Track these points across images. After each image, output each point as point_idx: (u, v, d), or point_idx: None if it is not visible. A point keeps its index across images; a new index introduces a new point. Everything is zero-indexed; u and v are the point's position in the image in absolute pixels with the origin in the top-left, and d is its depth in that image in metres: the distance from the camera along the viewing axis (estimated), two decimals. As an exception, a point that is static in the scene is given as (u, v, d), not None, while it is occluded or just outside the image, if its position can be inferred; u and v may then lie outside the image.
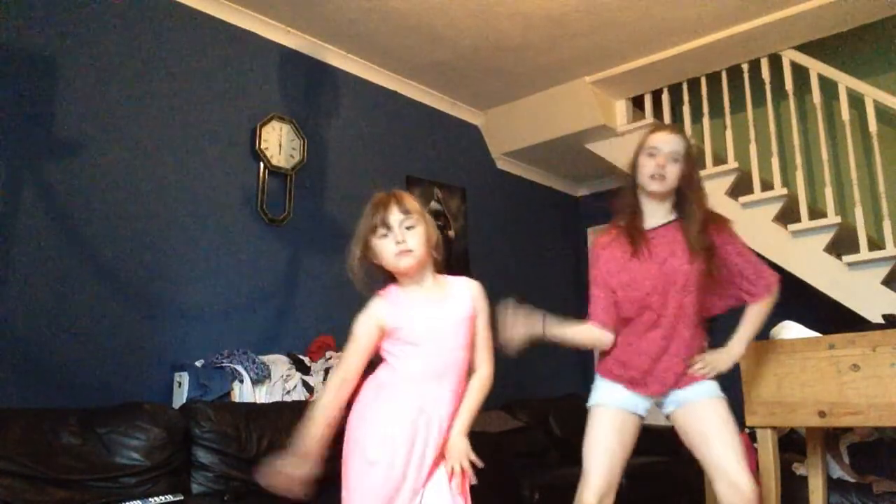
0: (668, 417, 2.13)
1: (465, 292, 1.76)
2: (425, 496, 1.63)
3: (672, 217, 2.11)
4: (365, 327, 1.67)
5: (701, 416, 2.01)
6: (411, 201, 1.71)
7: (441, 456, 1.68)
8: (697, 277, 2.02)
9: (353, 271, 1.69)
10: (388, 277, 1.74)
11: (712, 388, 2.05)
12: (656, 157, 2.05)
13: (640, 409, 2.09)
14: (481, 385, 1.83)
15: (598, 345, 2.17)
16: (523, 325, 2.06)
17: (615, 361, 2.12)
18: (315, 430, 1.60)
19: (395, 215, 1.66)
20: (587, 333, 2.18)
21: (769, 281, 2.10)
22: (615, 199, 2.22)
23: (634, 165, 2.12)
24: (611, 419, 2.08)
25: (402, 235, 1.65)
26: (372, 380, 1.70)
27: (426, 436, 1.64)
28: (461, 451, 1.70)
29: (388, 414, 1.63)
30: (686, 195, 2.07)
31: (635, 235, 2.08)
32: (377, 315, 1.67)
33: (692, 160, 2.09)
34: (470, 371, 1.79)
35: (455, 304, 1.73)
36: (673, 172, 2.04)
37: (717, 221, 2.10)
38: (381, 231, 1.66)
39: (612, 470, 2.05)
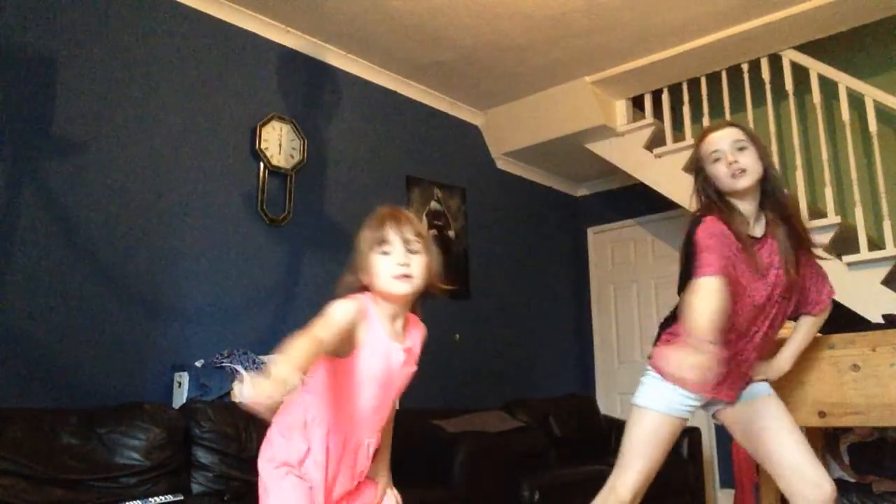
0: (714, 416, 2.05)
1: (418, 344, 1.59)
2: None
3: (764, 221, 1.94)
4: (345, 313, 1.43)
5: (763, 412, 1.93)
6: (420, 225, 1.54)
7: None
8: (790, 286, 1.92)
9: (347, 286, 1.52)
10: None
11: (766, 385, 2.00)
12: (723, 158, 1.88)
13: (690, 412, 1.96)
14: (390, 433, 1.70)
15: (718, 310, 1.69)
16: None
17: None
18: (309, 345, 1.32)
19: (401, 234, 1.49)
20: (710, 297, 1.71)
21: (830, 293, 2.06)
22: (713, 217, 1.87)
23: (706, 182, 1.93)
24: (667, 426, 1.92)
25: (407, 259, 1.48)
26: (291, 407, 1.50)
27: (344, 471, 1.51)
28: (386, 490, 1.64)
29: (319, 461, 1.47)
30: (766, 190, 1.91)
31: (747, 244, 1.85)
32: (354, 314, 1.45)
33: (760, 143, 1.93)
34: None
35: (410, 356, 1.56)
36: (749, 161, 1.87)
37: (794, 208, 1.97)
38: (384, 248, 1.48)
39: (653, 471, 1.96)
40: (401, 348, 1.52)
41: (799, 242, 1.93)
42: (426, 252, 1.51)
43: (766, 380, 2.02)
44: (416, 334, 1.59)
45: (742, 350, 1.89)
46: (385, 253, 1.48)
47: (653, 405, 1.93)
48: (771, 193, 1.92)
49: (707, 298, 1.66)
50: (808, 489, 1.83)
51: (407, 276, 1.48)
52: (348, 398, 1.48)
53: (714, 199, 1.91)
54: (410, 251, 1.49)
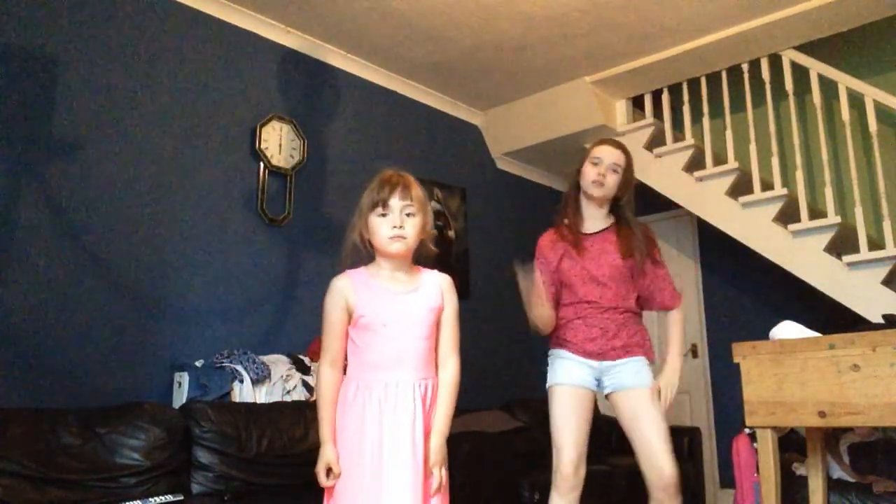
0: (607, 398, 2.39)
1: (435, 285, 1.78)
2: (391, 477, 1.64)
3: (609, 223, 2.44)
4: (332, 305, 1.70)
5: (636, 402, 2.29)
6: (417, 189, 1.73)
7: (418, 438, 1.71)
8: (623, 273, 2.36)
9: (349, 243, 1.74)
10: (371, 254, 1.77)
11: (647, 378, 2.33)
12: (598, 166, 2.37)
13: (584, 381, 2.35)
14: (451, 382, 1.79)
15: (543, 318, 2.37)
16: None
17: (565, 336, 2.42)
18: (327, 413, 1.67)
19: (398, 199, 1.69)
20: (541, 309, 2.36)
21: (672, 297, 2.43)
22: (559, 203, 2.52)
23: (579, 172, 2.43)
24: (565, 395, 2.34)
25: (401, 221, 1.68)
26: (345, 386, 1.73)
27: (392, 421, 1.66)
28: (441, 459, 1.77)
29: (355, 417, 1.67)
30: (621, 203, 2.41)
31: (576, 237, 2.41)
32: (342, 293, 1.69)
33: (631, 172, 2.41)
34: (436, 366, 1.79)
35: (422, 294, 1.74)
36: (612, 181, 2.36)
37: (649, 232, 2.45)
38: (381, 210, 1.69)
39: (577, 442, 2.29)
40: (407, 289, 1.73)
41: (641, 232, 2.40)
42: (421, 214, 1.72)
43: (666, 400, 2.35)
44: (431, 279, 1.79)
45: (589, 313, 2.36)
46: (383, 215, 1.69)
47: (554, 381, 2.37)
48: (622, 211, 2.43)
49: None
50: (651, 471, 2.23)
51: (401, 238, 1.69)
52: (370, 348, 1.69)
53: (572, 189, 2.47)
54: (407, 213, 1.70)
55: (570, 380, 2.34)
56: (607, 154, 2.39)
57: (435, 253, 1.80)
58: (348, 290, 1.69)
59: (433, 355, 1.75)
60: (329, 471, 1.64)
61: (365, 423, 1.64)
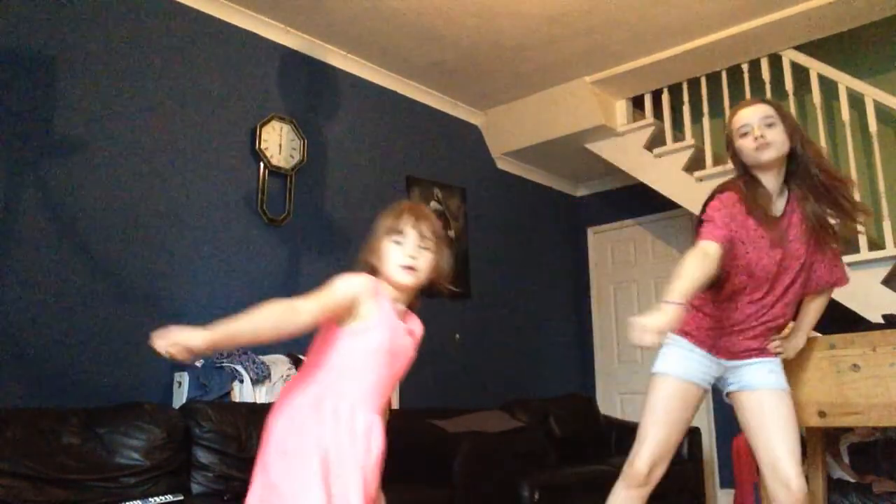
0: (727, 396, 2.11)
1: (418, 332, 1.66)
2: None
3: (787, 197, 1.99)
4: (349, 285, 1.50)
5: (765, 405, 1.98)
6: (436, 225, 1.63)
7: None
8: (810, 256, 1.99)
9: (361, 265, 1.60)
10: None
11: (781, 378, 2.03)
12: (750, 133, 1.93)
13: (704, 379, 2.03)
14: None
15: (713, 269, 1.83)
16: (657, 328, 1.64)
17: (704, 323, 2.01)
18: (244, 326, 1.42)
19: (420, 230, 1.58)
20: (705, 268, 1.81)
21: (841, 276, 2.10)
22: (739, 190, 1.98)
23: (734, 156, 2.01)
24: (679, 390, 2.00)
25: (417, 252, 1.57)
26: (309, 387, 1.53)
27: (369, 451, 1.52)
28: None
29: (332, 430, 1.47)
30: (800, 160, 1.95)
31: (765, 219, 1.93)
32: (361, 288, 1.51)
33: (791, 119, 1.98)
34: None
35: (412, 339, 1.63)
36: (776, 135, 1.92)
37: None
38: (396, 237, 1.57)
39: (668, 442, 2.00)
40: (405, 327, 1.60)
41: (822, 223, 1.98)
42: (437, 251, 1.60)
43: (783, 360, 2.07)
44: (417, 324, 1.66)
45: (749, 318, 1.98)
46: (398, 242, 1.57)
47: (664, 369, 2.01)
48: (797, 172, 1.97)
49: (694, 262, 1.78)
50: (777, 486, 1.91)
51: (412, 269, 1.56)
52: (362, 372, 1.54)
53: (740, 172, 2.00)
54: (422, 247, 1.57)
55: (682, 372, 2.01)
56: (751, 115, 1.96)
57: (449, 292, 1.65)
58: (369, 295, 1.52)
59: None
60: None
61: (347, 450, 1.47)
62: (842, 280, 2.11)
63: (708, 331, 2.01)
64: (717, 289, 1.99)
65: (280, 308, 1.44)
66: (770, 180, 1.97)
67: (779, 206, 1.99)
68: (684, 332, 2.02)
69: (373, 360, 1.54)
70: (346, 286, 1.50)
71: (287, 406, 1.53)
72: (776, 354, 2.07)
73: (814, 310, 2.16)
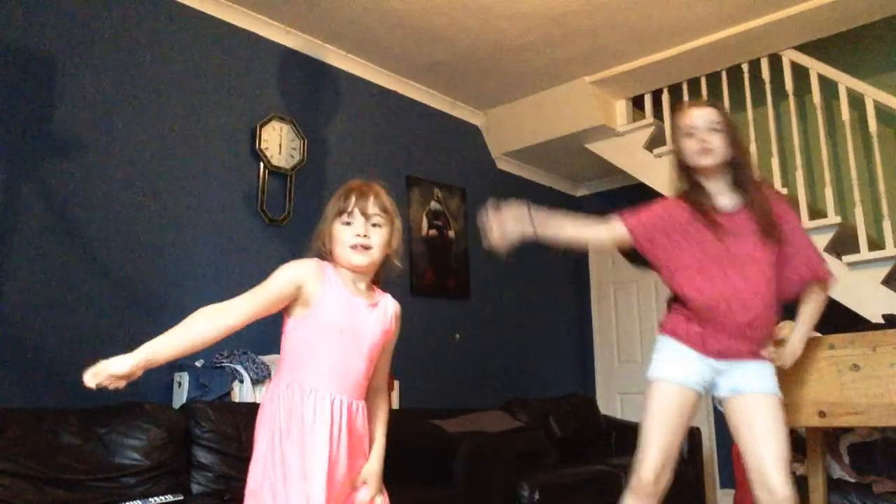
0: (720, 402, 2.10)
1: (391, 308, 1.65)
2: None
3: (740, 197, 2.02)
4: (284, 278, 1.51)
5: (755, 409, 1.98)
6: (386, 199, 1.61)
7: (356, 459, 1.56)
8: (777, 255, 2.00)
9: (312, 252, 1.60)
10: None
11: (772, 384, 2.01)
12: (695, 135, 1.99)
13: (698, 383, 2.03)
14: (386, 414, 1.68)
15: (604, 241, 2.02)
16: (512, 222, 1.95)
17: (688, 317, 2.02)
18: (175, 338, 1.43)
19: (365, 207, 1.56)
20: (594, 230, 2.06)
21: (818, 265, 2.07)
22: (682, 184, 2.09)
23: (679, 154, 2.06)
24: (674, 395, 2.01)
25: (367, 230, 1.56)
26: (275, 388, 1.54)
27: (340, 436, 1.50)
28: (374, 485, 1.57)
29: (308, 422, 1.47)
30: (738, 169, 2.01)
31: (707, 216, 1.99)
32: (303, 273, 1.53)
33: (734, 128, 2.04)
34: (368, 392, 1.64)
35: (379, 313, 1.60)
36: (718, 141, 1.98)
37: (771, 194, 2.07)
38: (345, 218, 1.56)
39: (670, 447, 2.00)
40: (367, 303, 1.58)
41: (769, 223, 2.00)
42: (388, 226, 1.59)
43: (779, 366, 2.06)
44: (387, 301, 1.65)
45: (718, 303, 1.95)
46: (347, 223, 1.56)
47: (660, 374, 2.02)
48: (739, 179, 2.02)
49: (593, 223, 2.02)
50: (762, 493, 1.93)
51: (365, 248, 1.55)
52: (317, 352, 1.52)
53: (682, 175, 2.05)
54: (373, 224, 1.57)
55: (677, 377, 2.01)
56: (697, 117, 2.00)
57: (400, 270, 1.65)
58: (312, 277, 1.53)
59: (367, 382, 1.59)
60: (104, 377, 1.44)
61: (315, 437, 1.46)
62: (820, 272, 2.07)
63: (694, 329, 2.00)
64: (679, 289, 2.02)
65: (209, 312, 1.46)
66: (711, 184, 2.02)
67: (726, 203, 2.01)
68: (674, 334, 2.04)
69: (325, 339, 1.52)
70: (283, 275, 1.52)
71: (260, 413, 1.54)
72: (771, 361, 2.05)
73: (807, 313, 2.13)
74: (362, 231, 1.55)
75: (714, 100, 2.18)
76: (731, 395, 2.03)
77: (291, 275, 1.52)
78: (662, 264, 2.03)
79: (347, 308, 1.55)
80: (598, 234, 2.08)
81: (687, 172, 2.04)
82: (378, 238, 1.57)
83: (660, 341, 2.06)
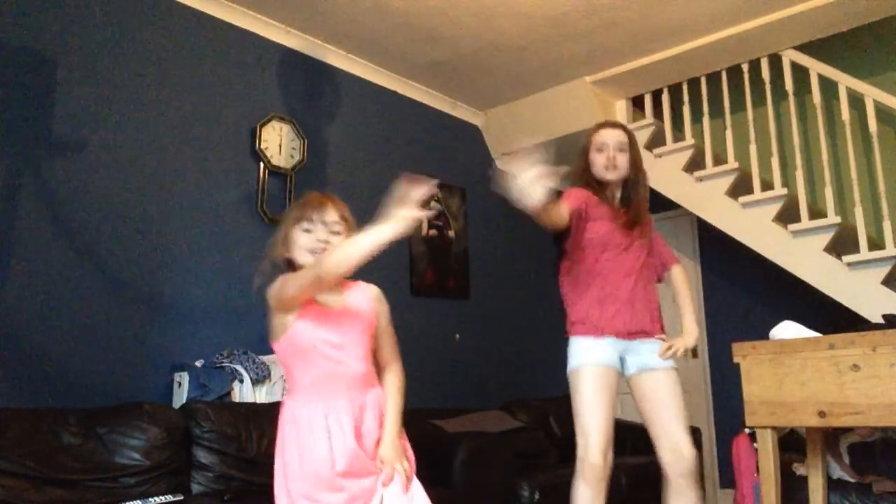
0: (629, 379, 2.31)
1: (364, 297, 1.71)
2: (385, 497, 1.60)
3: (625, 205, 2.37)
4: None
5: (658, 384, 2.25)
6: (343, 208, 1.72)
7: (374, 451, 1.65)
8: (648, 245, 2.39)
9: (265, 264, 1.68)
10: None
11: (669, 361, 2.28)
12: (605, 150, 2.34)
13: (607, 360, 2.23)
14: (397, 386, 1.76)
15: (562, 217, 2.21)
16: (541, 174, 1.92)
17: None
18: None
19: (327, 216, 1.66)
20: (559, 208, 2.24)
21: (671, 257, 2.51)
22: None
23: (585, 164, 2.42)
24: (589, 376, 2.21)
25: (327, 237, 1.64)
26: (284, 411, 1.67)
27: (342, 437, 1.59)
28: (390, 459, 1.64)
29: (305, 439, 1.58)
30: (632, 182, 2.36)
31: (609, 204, 2.34)
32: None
33: (637, 150, 2.39)
34: (379, 372, 1.74)
35: (352, 312, 1.67)
36: (623, 161, 2.33)
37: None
38: (306, 225, 1.65)
39: (603, 426, 2.18)
40: (339, 307, 1.66)
41: (643, 221, 2.38)
42: (346, 233, 1.66)
43: (674, 354, 2.28)
44: (359, 292, 1.72)
45: (613, 281, 2.26)
46: (307, 231, 1.66)
47: (577, 363, 2.23)
48: (631, 188, 2.37)
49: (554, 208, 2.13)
50: (668, 453, 2.17)
51: (325, 252, 1.61)
52: (309, 366, 1.62)
53: (586, 176, 2.40)
54: (332, 232, 1.66)
55: (595, 359, 2.19)
56: (609, 136, 2.37)
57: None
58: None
59: (372, 370, 1.69)
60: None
61: (331, 445, 1.57)
62: (670, 260, 2.50)
63: (591, 310, 2.24)
64: (582, 261, 2.30)
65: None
66: (608, 189, 2.37)
67: (617, 203, 2.37)
68: (576, 327, 2.27)
69: (314, 352, 1.61)
70: (282, 287, 1.60)
71: (280, 424, 1.66)
72: (672, 352, 2.28)
73: (681, 294, 2.43)
74: (324, 237, 1.64)
75: (623, 123, 2.49)
76: (639, 371, 2.27)
77: (286, 286, 1.61)
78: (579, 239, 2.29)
79: (311, 327, 1.62)
80: (559, 214, 2.20)
81: (587, 180, 2.38)
82: (338, 243, 1.63)
83: (569, 342, 2.30)
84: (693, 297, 2.44)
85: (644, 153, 4.50)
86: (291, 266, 1.67)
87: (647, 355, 2.27)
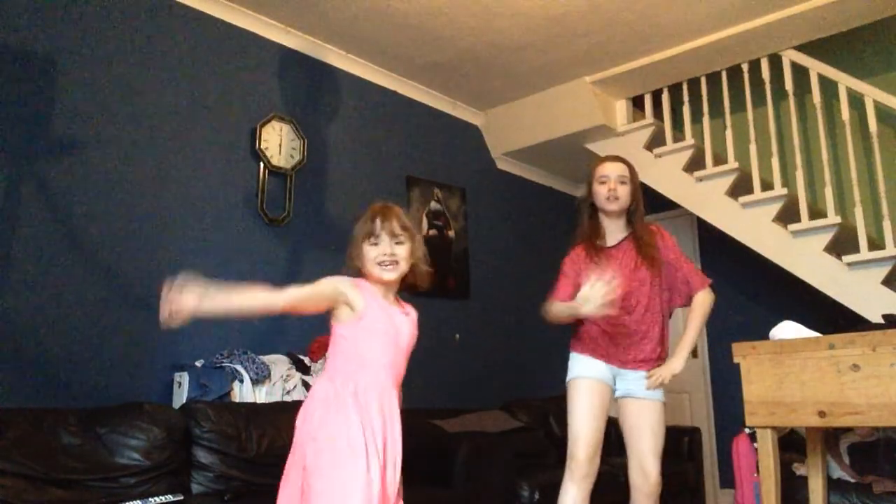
0: (616, 401, 2.47)
1: (414, 315, 1.90)
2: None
3: (627, 233, 2.50)
4: (333, 284, 1.77)
5: (641, 413, 2.40)
6: (405, 219, 1.85)
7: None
8: (662, 279, 2.47)
9: (349, 272, 1.84)
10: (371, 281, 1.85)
11: (659, 391, 2.43)
12: (607, 183, 2.45)
13: (600, 374, 2.43)
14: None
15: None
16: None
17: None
18: (256, 299, 1.74)
19: (391, 228, 1.80)
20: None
21: (696, 286, 2.49)
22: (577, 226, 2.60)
23: (590, 195, 2.52)
24: (583, 387, 2.42)
25: (392, 248, 1.80)
26: (327, 380, 1.77)
27: (392, 422, 1.78)
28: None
29: (355, 405, 1.71)
30: (634, 213, 2.49)
31: (598, 253, 2.47)
32: (346, 289, 1.77)
33: (636, 181, 2.52)
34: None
35: (411, 321, 1.88)
36: (624, 192, 2.45)
37: (656, 231, 2.53)
38: (374, 240, 1.79)
39: (592, 435, 2.35)
40: (399, 311, 1.85)
41: (653, 253, 2.47)
42: (411, 241, 1.84)
43: (662, 385, 2.41)
44: (410, 309, 1.91)
45: (618, 322, 2.38)
46: (374, 244, 1.80)
47: (574, 374, 2.46)
48: (633, 219, 2.50)
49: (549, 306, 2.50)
50: (638, 475, 2.36)
51: (394, 263, 1.80)
52: (366, 353, 1.78)
53: (587, 210, 2.53)
54: (397, 242, 1.81)
55: (589, 374, 2.41)
56: (611, 169, 2.49)
57: (430, 272, 1.90)
58: (351, 287, 1.78)
59: (402, 376, 1.87)
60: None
61: (370, 419, 1.71)
62: (697, 286, 2.50)
63: (596, 341, 2.44)
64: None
65: (260, 288, 1.74)
66: (609, 221, 2.51)
67: (616, 237, 2.50)
68: (575, 345, 2.51)
69: (375, 341, 1.78)
70: (325, 280, 1.78)
71: (310, 401, 1.77)
72: (658, 383, 2.40)
73: (690, 320, 2.48)
74: (389, 250, 1.79)
75: (625, 157, 2.58)
76: (625, 396, 2.44)
77: (333, 280, 1.77)
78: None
79: (388, 317, 1.80)
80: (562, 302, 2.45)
81: (592, 210, 2.53)
82: (403, 252, 1.81)
83: (571, 356, 2.52)
84: (701, 325, 2.47)
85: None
86: (362, 275, 1.83)
87: (633, 383, 2.42)
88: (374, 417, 1.71)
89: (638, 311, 2.41)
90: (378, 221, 1.80)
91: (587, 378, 2.42)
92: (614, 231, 2.52)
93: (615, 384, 2.46)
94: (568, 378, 2.49)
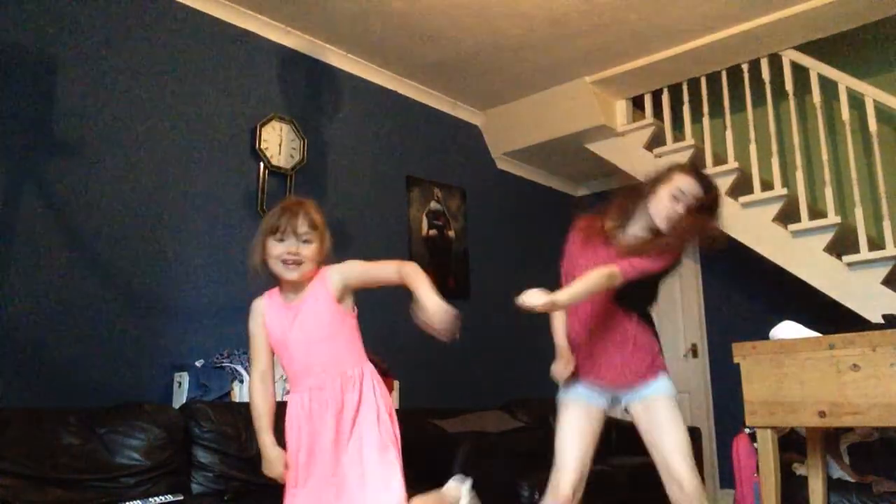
0: (626, 410, 2.22)
1: (319, 285, 1.79)
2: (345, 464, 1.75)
3: (628, 238, 2.18)
4: (252, 325, 1.84)
5: (656, 410, 2.13)
6: (316, 215, 1.78)
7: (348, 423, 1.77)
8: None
9: (250, 267, 1.80)
10: (273, 276, 1.82)
11: (669, 385, 2.16)
12: (679, 201, 2.07)
13: (590, 397, 2.21)
14: (409, 273, 1.76)
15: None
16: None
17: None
18: (262, 423, 1.84)
19: (298, 226, 1.73)
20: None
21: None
22: (614, 199, 2.31)
23: (654, 190, 2.13)
24: (572, 409, 2.20)
25: (297, 248, 1.74)
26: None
27: (322, 414, 1.77)
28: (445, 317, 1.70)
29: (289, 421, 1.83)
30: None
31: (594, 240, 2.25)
32: (258, 312, 1.83)
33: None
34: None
35: (310, 302, 1.78)
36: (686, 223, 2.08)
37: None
38: (279, 235, 1.74)
39: (578, 465, 2.15)
40: (299, 302, 1.78)
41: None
42: (319, 241, 1.77)
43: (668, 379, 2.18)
44: (317, 284, 1.79)
45: (575, 327, 2.22)
46: (280, 240, 1.74)
47: (564, 394, 2.22)
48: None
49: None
50: (672, 485, 2.10)
51: (297, 263, 1.74)
52: (288, 364, 1.85)
53: (631, 198, 2.23)
54: (304, 241, 1.74)
55: (576, 394, 2.20)
56: (690, 188, 2.08)
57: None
58: (264, 309, 1.82)
59: (350, 346, 1.81)
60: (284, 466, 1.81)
61: (298, 428, 1.80)
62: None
63: (583, 361, 2.18)
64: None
65: (257, 390, 1.87)
66: (633, 226, 2.19)
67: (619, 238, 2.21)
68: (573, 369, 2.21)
69: (283, 358, 1.84)
70: (252, 327, 1.87)
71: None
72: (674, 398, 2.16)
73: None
74: (294, 248, 1.73)
75: (709, 178, 2.24)
76: (632, 401, 2.17)
77: (256, 321, 1.84)
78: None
79: (279, 326, 1.80)
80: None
81: (636, 214, 2.18)
82: (309, 252, 1.75)
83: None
84: (584, 285, 2.18)
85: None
86: (266, 268, 1.79)
87: (640, 388, 2.17)
88: (299, 428, 1.81)
89: (583, 312, 2.20)
90: (286, 218, 1.74)
91: (574, 400, 2.20)
92: (626, 231, 2.20)
93: (619, 397, 2.20)
94: (560, 393, 2.26)
